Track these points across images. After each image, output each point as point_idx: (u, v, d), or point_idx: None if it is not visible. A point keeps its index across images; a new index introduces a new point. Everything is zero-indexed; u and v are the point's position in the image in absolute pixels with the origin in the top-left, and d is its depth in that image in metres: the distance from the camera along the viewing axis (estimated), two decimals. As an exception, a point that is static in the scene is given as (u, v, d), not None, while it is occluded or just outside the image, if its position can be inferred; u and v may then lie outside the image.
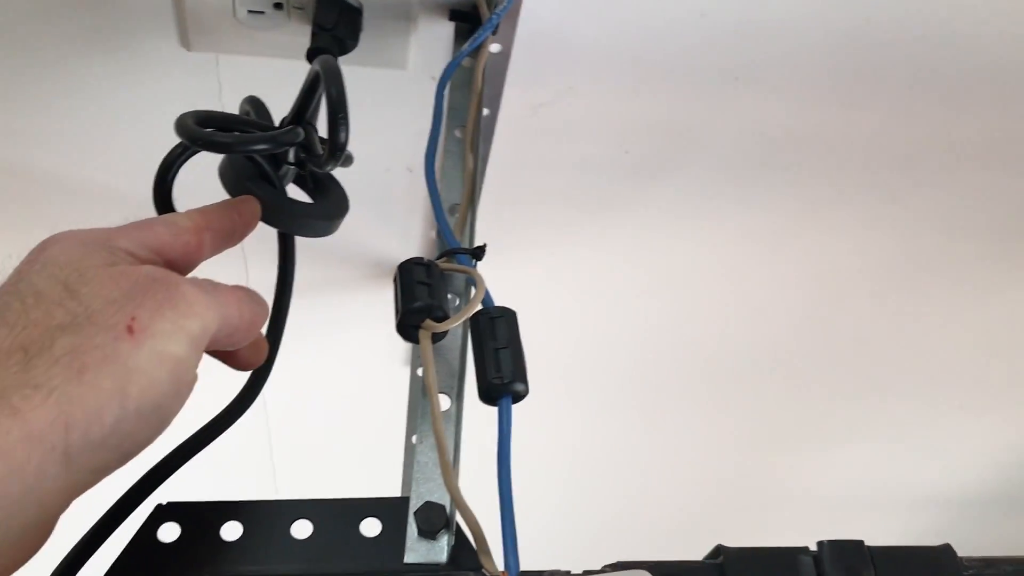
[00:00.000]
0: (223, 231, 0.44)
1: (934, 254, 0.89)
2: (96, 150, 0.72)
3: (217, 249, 0.43)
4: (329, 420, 1.04)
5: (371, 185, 0.76)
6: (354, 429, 1.05)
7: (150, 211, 0.77)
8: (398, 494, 0.46)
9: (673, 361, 0.96)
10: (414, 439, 0.78)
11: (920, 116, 0.73)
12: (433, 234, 0.81)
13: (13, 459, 0.28)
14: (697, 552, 0.59)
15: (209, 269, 0.84)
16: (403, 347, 0.95)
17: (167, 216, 0.42)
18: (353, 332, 0.93)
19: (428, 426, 0.46)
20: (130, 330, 0.32)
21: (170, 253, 0.39)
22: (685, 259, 0.85)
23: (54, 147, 0.72)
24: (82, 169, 0.73)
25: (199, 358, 0.36)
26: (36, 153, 0.72)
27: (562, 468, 1.06)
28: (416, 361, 0.81)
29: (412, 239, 0.82)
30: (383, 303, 0.90)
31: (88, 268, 0.34)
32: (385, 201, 0.78)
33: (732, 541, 0.58)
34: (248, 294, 0.41)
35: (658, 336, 0.93)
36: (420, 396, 0.57)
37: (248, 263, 0.84)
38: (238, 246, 0.82)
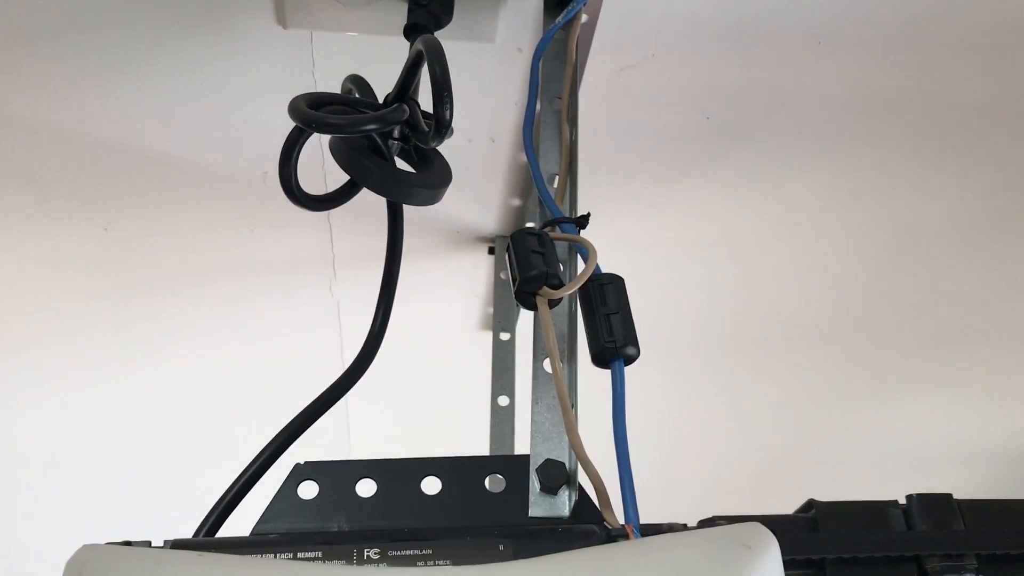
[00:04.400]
0: None
1: (1007, 215, 0.89)
2: (192, 125, 0.75)
3: None
4: (406, 383, 1.07)
5: (454, 155, 0.77)
6: (431, 392, 1.08)
7: (245, 186, 0.80)
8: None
9: (752, 322, 0.98)
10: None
11: (1004, 76, 0.73)
12: (514, 202, 0.83)
13: None
14: (776, 508, 0.61)
15: (296, 243, 0.87)
16: (479, 312, 0.98)
17: None
18: (432, 297, 0.95)
19: (546, 387, 0.48)
20: None
21: None
22: (764, 223, 0.86)
23: (151, 123, 0.74)
24: (178, 144, 0.76)
25: None
26: (133, 128, 0.75)
27: (639, 431, 1.08)
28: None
29: (491, 208, 0.84)
30: (461, 270, 0.92)
31: None
32: (467, 171, 0.79)
33: (807, 496, 0.60)
34: None
35: (738, 300, 0.95)
36: (530, 358, 0.59)
37: (333, 234, 0.86)
38: (325, 217, 0.85)
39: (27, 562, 1.07)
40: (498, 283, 0.87)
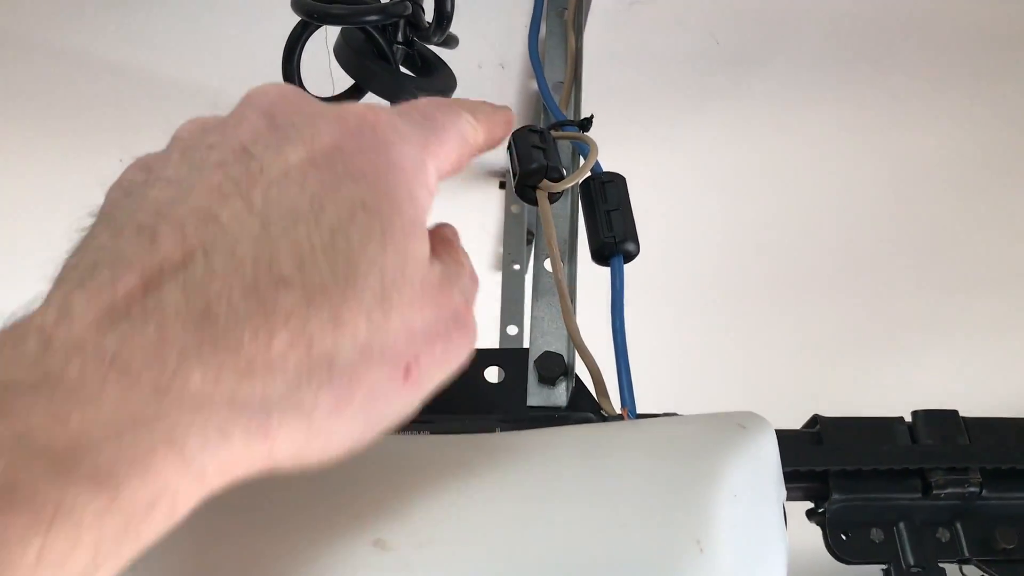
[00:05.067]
0: (491, 145, 0.36)
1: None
2: (204, 50, 0.75)
3: None
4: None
5: (463, 82, 0.77)
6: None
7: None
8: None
9: (763, 257, 0.97)
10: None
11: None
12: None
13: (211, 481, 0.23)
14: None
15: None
16: (490, 251, 0.98)
17: (461, 124, 0.33)
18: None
19: (544, 283, 0.49)
20: (407, 373, 0.27)
21: (446, 173, 0.33)
22: (775, 154, 0.85)
23: (162, 48, 0.75)
24: (191, 70, 0.76)
25: None
26: (145, 54, 0.75)
27: (643, 363, 1.07)
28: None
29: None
30: (471, 206, 0.92)
31: (410, 264, 0.27)
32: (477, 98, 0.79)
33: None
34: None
35: (747, 232, 0.94)
36: (526, 269, 0.59)
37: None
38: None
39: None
40: (508, 217, 0.87)
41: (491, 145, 0.36)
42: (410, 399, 0.27)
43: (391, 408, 0.27)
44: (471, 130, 0.33)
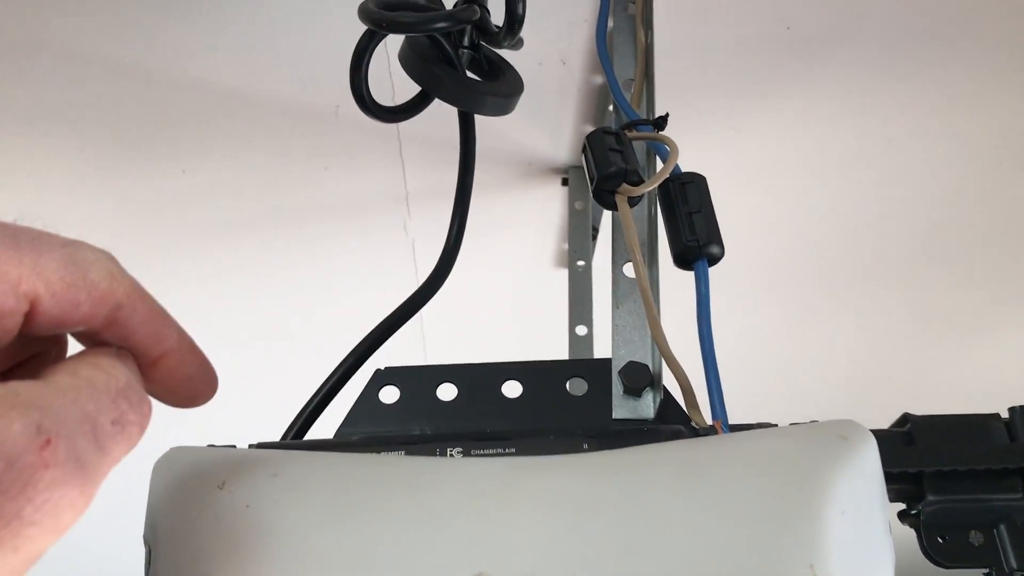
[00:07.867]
0: (145, 340, 0.27)
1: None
2: (264, 61, 0.74)
3: (119, 340, 0.26)
4: (482, 323, 1.06)
5: (523, 79, 0.76)
6: (507, 330, 1.07)
7: (318, 120, 0.80)
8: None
9: (836, 244, 0.94)
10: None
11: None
12: (587, 129, 0.81)
13: None
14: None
15: (369, 180, 0.86)
16: (554, 248, 0.96)
17: (80, 248, 0.24)
18: (506, 235, 0.94)
19: (627, 292, 0.47)
20: None
21: (43, 304, 0.23)
22: (850, 138, 0.82)
23: (223, 59, 0.74)
24: (251, 80, 0.76)
25: None
26: (205, 66, 0.75)
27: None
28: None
29: (564, 136, 0.83)
30: (534, 204, 0.91)
31: None
32: (537, 96, 0.78)
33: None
34: (132, 403, 0.25)
35: (820, 219, 0.91)
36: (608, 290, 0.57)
37: (406, 171, 0.86)
38: (397, 153, 0.84)
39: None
40: (572, 214, 0.86)
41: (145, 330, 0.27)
42: None
43: None
44: (99, 264, 0.25)
